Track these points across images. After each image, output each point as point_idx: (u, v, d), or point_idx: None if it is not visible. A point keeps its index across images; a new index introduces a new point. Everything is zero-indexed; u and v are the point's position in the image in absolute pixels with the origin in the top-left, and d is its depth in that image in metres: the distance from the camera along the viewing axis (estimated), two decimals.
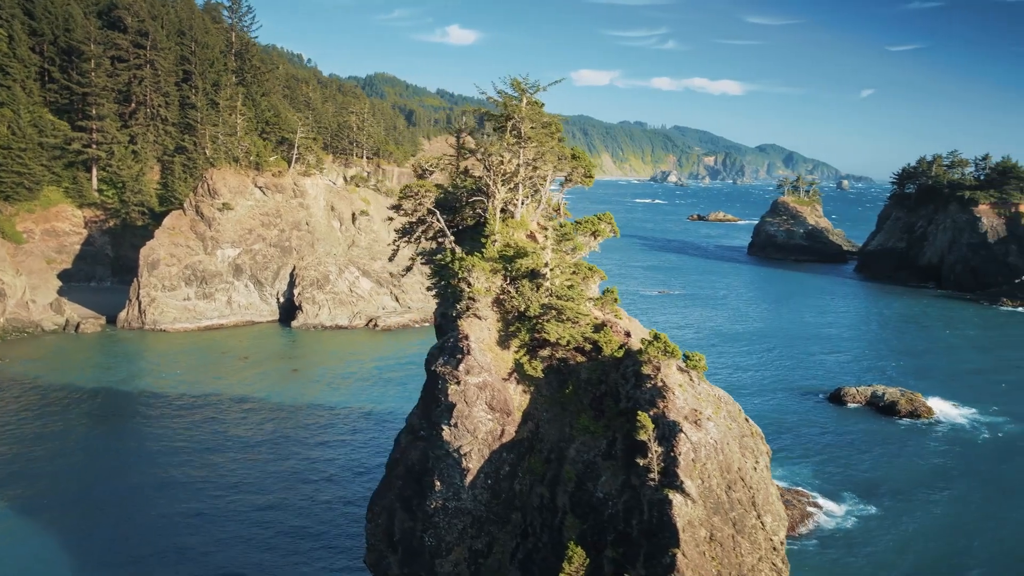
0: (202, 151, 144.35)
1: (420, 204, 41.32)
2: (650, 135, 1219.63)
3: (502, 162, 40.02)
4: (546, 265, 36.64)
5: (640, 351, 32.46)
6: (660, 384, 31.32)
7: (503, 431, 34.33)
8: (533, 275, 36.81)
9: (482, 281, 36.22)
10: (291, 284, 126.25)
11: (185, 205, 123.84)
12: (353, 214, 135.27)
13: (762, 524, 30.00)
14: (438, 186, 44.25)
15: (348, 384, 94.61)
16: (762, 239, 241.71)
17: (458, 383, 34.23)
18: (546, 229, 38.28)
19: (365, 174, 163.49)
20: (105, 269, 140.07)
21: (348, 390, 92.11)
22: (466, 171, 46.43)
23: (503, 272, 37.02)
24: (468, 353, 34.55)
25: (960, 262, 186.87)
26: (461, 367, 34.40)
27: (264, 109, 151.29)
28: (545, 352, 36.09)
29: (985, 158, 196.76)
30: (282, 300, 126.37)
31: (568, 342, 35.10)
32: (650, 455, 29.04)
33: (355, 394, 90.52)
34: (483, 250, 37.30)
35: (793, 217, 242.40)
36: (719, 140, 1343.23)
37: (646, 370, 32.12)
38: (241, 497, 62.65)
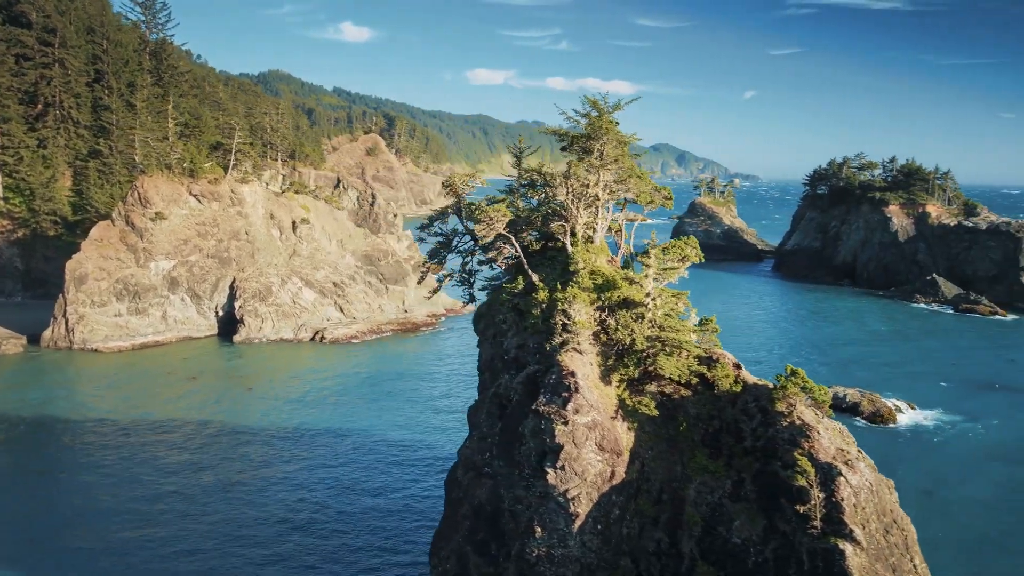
0: (118, 155, 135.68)
1: (492, 228, 38.93)
2: (550, 135, 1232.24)
3: (586, 185, 38.19)
4: (648, 295, 35.10)
5: (776, 387, 31.33)
6: (798, 422, 30.26)
7: (613, 472, 32.52)
8: (627, 304, 35.20)
9: (583, 313, 34.29)
10: (231, 297, 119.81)
11: (113, 215, 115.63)
12: (293, 222, 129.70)
13: (915, 567, 29.34)
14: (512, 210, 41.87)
15: (310, 402, 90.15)
16: None
17: (565, 423, 32.19)
18: (648, 255, 36.66)
19: (280, 177, 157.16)
20: (15, 283, 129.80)
21: (312, 408, 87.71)
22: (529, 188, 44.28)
23: (598, 302, 35.21)
24: (576, 391, 32.54)
25: (873, 260, 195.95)
26: (569, 406, 32.37)
27: (184, 111, 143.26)
28: (649, 387, 34.54)
29: (892, 160, 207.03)
30: (221, 314, 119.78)
31: (679, 376, 33.67)
32: (813, 500, 27.88)
33: (321, 413, 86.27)
34: (576, 279, 35.35)
35: (710, 218, 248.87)
36: None
37: (780, 407, 31.01)
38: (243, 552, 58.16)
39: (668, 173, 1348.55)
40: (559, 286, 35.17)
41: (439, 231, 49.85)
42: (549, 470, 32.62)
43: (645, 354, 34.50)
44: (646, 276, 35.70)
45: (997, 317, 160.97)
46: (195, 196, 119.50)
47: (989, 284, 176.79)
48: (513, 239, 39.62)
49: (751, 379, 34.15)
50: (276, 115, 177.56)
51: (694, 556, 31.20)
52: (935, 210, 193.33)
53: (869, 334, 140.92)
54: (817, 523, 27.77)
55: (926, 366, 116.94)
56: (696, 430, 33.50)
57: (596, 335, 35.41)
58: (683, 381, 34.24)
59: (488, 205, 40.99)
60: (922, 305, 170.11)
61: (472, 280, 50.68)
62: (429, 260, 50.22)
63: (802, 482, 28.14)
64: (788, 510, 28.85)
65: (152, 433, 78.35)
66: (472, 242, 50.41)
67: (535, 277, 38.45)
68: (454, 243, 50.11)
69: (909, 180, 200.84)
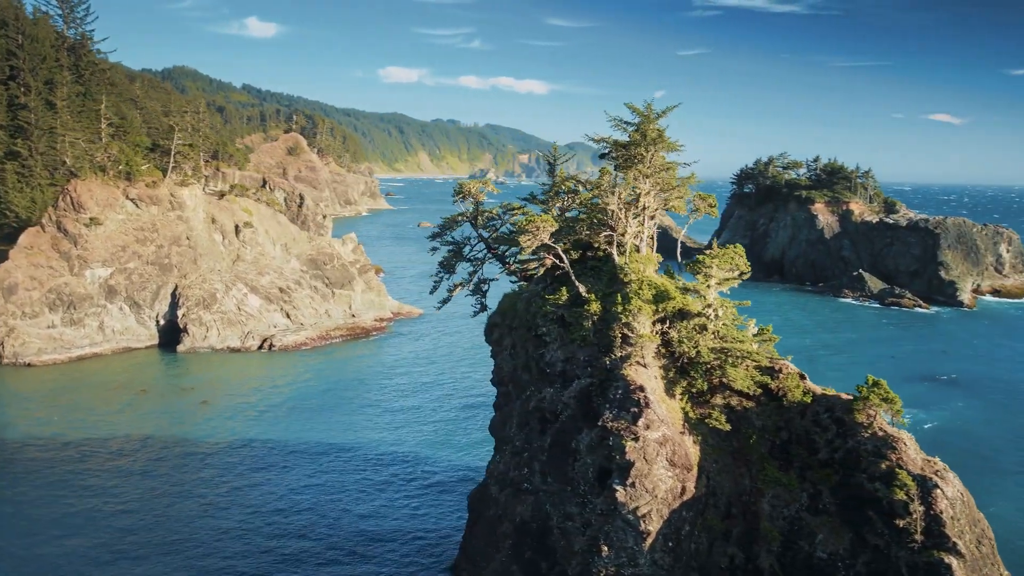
0: (38, 157, 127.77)
1: (537, 238, 37.73)
2: (465, 133, 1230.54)
3: (637, 194, 37.47)
4: (709, 306, 34.63)
5: (856, 398, 31.25)
6: (881, 434, 30.28)
7: (683, 488, 31.90)
8: (683, 315, 34.67)
9: (646, 326, 33.54)
10: (173, 305, 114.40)
11: (44, 221, 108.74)
12: (236, 226, 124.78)
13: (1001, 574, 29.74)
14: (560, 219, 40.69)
15: (272, 414, 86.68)
16: None
17: (636, 439, 31.37)
18: (709, 265, 36.15)
19: (204, 179, 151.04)
20: None
21: (276, 421, 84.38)
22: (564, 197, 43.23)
23: (656, 314, 34.52)
24: (647, 406, 31.76)
25: (801, 257, 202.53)
26: (640, 422, 31.58)
27: (106, 109, 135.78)
28: (715, 399, 34.11)
29: (816, 160, 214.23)
30: (163, 323, 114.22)
31: (747, 388, 33.33)
32: (914, 514, 27.84)
33: (287, 425, 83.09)
34: (635, 290, 34.53)
35: None
36: (531, 138, 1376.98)
37: (860, 418, 30.97)
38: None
39: (584, 170, 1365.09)
40: (619, 298, 34.33)
41: (451, 240, 48.38)
42: (618, 487, 31.78)
43: (711, 366, 34.09)
44: (707, 286, 35.29)
45: (920, 310, 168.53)
46: (132, 200, 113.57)
47: (910, 278, 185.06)
48: (559, 249, 38.55)
49: (818, 389, 34.14)
50: (196, 114, 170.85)
51: (775, 571, 30.93)
52: (858, 208, 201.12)
53: (799, 328, 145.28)
54: (918, 536, 27.76)
55: (862, 357, 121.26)
56: (763, 442, 33.27)
57: (656, 347, 34.78)
58: (749, 392, 33.96)
59: (534, 215, 39.74)
60: (850, 300, 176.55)
61: (485, 289, 49.45)
62: (442, 270, 48.70)
63: (901, 495, 28.13)
64: (879, 523, 28.82)
65: (111, 456, 73.73)
66: (486, 250, 49.20)
67: (582, 288, 37.54)
68: (465, 251, 48.80)
69: (832, 179, 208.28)
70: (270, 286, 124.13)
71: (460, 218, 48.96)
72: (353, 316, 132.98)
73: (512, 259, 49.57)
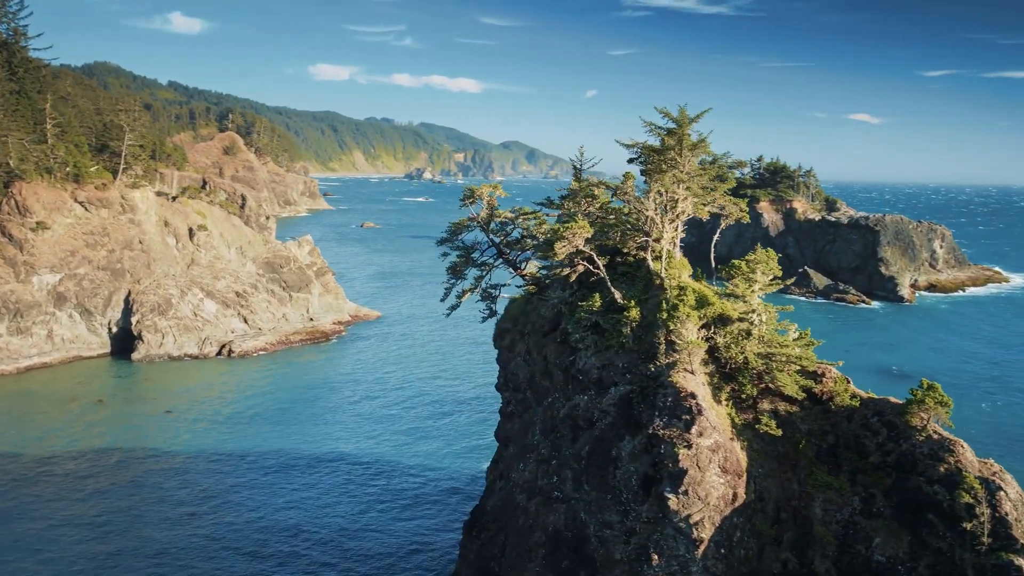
0: None
1: (571, 245, 37.16)
2: (400, 132, 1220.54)
3: (675, 199, 37.23)
4: (753, 311, 34.64)
5: (911, 401, 31.56)
6: (936, 437, 30.69)
7: (735, 495, 31.84)
8: (723, 321, 34.62)
9: (694, 333, 33.34)
10: (127, 311, 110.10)
11: None
12: (190, 229, 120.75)
13: None
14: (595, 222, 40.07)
15: (242, 422, 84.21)
16: None
17: (689, 447, 31.17)
18: (753, 272, 36.11)
19: (158, 179, 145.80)
20: None
21: (246, 429, 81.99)
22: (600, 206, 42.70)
23: (700, 320, 34.34)
24: (699, 413, 31.56)
25: (747, 254, 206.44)
26: (693, 429, 31.37)
27: (40, 109, 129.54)
28: (763, 404, 34.12)
29: (759, 159, 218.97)
30: (115, 330, 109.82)
31: (795, 393, 33.45)
32: (981, 516, 28.21)
33: (259, 433, 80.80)
34: (683, 297, 34.28)
35: None
36: (466, 137, 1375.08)
37: (914, 421, 31.32)
38: None
39: (519, 170, 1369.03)
40: (663, 304, 34.09)
41: (461, 244, 47.52)
42: (670, 495, 31.54)
43: (758, 371, 34.16)
44: (752, 291, 35.35)
45: (864, 305, 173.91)
46: (81, 203, 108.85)
47: (852, 274, 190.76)
48: (595, 256, 38.07)
49: (863, 393, 34.51)
50: (133, 113, 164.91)
51: (832, 575, 31.15)
52: (801, 206, 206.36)
53: None
54: (985, 539, 28.21)
55: (817, 352, 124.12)
56: (809, 446, 33.48)
57: (703, 354, 34.63)
58: (795, 397, 34.13)
59: (570, 220, 39.16)
60: (797, 296, 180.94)
61: (496, 294, 48.75)
62: (452, 276, 47.81)
63: (967, 498, 28.53)
64: (939, 526, 29.21)
65: (72, 471, 70.33)
66: (497, 255, 48.48)
67: (618, 294, 37.19)
68: (475, 256, 48.01)
69: (775, 178, 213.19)
70: (226, 290, 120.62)
71: (470, 222, 48.04)
72: (311, 320, 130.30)
73: (524, 264, 49.00)
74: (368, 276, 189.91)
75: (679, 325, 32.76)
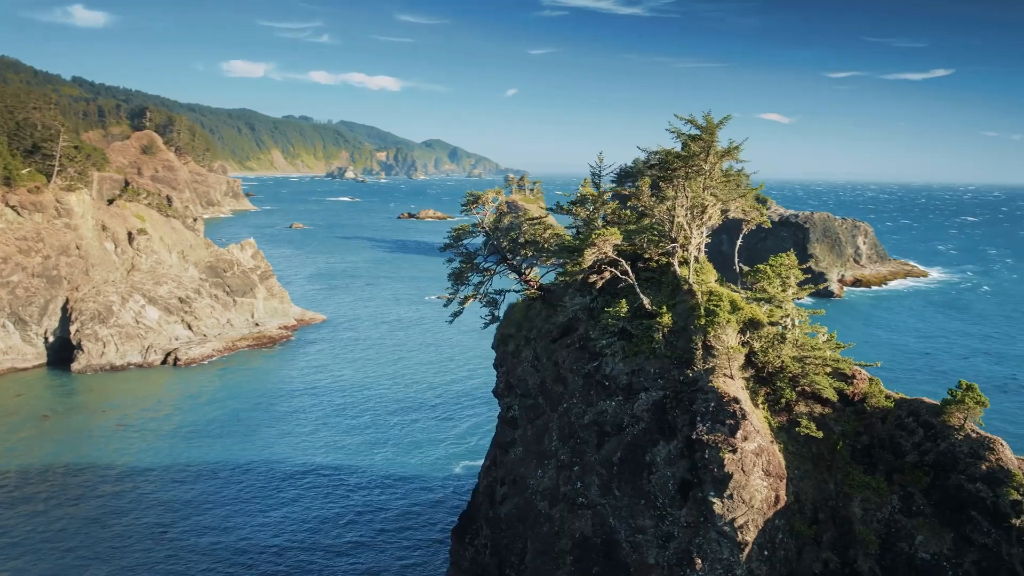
0: None
1: (601, 251, 36.91)
2: (320, 130, 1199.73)
3: (704, 206, 37.37)
4: (787, 315, 35.12)
5: (951, 401, 32.44)
6: (975, 436, 31.64)
7: (777, 497, 32.25)
8: (753, 325, 34.99)
9: (733, 338, 33.55)
10: (64, 320, 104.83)
11: None
12: (129, 233, 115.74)
13: None
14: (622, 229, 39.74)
15: (199, 433, 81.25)
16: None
17: (734, 451, 31.42)
18: (788, 277, 36.52)
19: (93, 181, 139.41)
20: None
21: (205, 440, 79.16)
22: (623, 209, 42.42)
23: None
24: (744, 417, 31.82)
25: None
26: (739, 433, 31.62)
27: None
28: (798, 407, 34.57)
29: None
30: (52, 340, 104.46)
31: (833, 395, 34.03)
32: None
33: (219, 444, 78.13)
34: (719, 303, 34.44)
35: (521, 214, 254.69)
36: (387, 136, 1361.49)
37: (953, 421, 32.23)
38: None
39: (442, 169, 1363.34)
40: (701, 311, 34.25)
41: (464, 250, 46.82)
42: (715, 500, 31.78)
43: (794, 375, 34.68)
44: (787, 296, 35.85)
45: (798, 301, 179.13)
46: (13, 207, 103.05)
47: None
48: (624, 262, 37.97)
49: (895, 394, 35.40)
50: (49, 110, 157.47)
51: (875, 574, 31.82)
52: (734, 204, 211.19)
53: None
54: None
55: None
56: (845, 447, 34.16)
57: (742, 358, 34.94)
58: (831, 399, 34.77)
59: (604, 227, 38.91)
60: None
61: (500, 300, 48.24)
62: (454, 282, 47.04)
63: (1015, 495, 29.51)
64: (984, 522, 30.18)
65: (27, 491, 66.48)
66: (501, 260, 47.97)
67: (646, 301, 37.19)
68: (478, 262, 47.40)
69: None
70: (169, 296, 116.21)
71: (474, 228, 47.40)
72: (257, 325, 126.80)
73: (528, 270, 48.62)
74: (306, 279, 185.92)
75: (719, 330, 33.01)
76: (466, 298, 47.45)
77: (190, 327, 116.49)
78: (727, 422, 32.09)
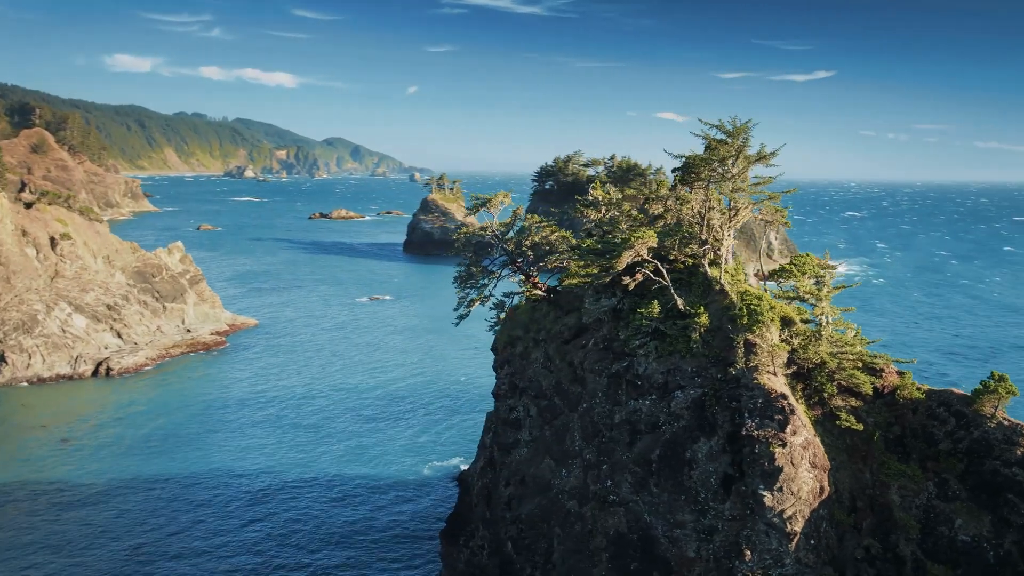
0: None
1: (637, 254, 37.28)
2: (215, 128, 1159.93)
3: (736, 208, 38.21)
4: (823, 313, 36.38)
5: (984, 392, 34.27)
6: (1007, 423, 33.60)
7: (822, 487, 33.56)
8: (785, 323, 36.19)
9: (776, 336, 34.56)
10: None
11: None
12: (52, 238, 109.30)
13: None
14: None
15: (146, 446, 77.71)
16: (419, 236, 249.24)
17: (784, 445, 32.49)
18: (823, 275, 37.70)
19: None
20: None
21: (168, 454, 75.82)
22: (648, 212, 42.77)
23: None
24: (792, 412, 32.92)
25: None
26: (788, 428, 32.72)
27: None
28: (835, 401, 35.87)
29: (612, 157, 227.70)
30: None
31: (868, 389, 35.51)
32: None
33: (184, 458, 74.87)
34: (759, 303, 35.36)
35: (444, 214, 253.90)
36: (286, 134, 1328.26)
37: (985, 410, 34.13)
38: None
39: (345, 167, 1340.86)
40: (743, 310, 35.17)
41: (472, 253, 46.55)
42: (765, 492, 32.84)
43: (831, 370, 36.07)
44: (822, 293, 37.17)
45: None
46: None
47: None
48: (659, 265, 38.54)
49: (923, 386, 37.26)
50: None
51: (917, 557, 33.47)
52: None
53: None
54: None
55: None
56: (879, 438, 35.78)
57: (785, 356, 36.09)
58: (865, 393, 36.33)
59: (640, 228, 39.29)
60: None
61: (509, 302, 48.18)
62: (463, 284, 46.75)
63: None
64: (1021, 505, 32.20)
65: None
66: (509, 263, 47.91)
67: (680, 301, 37.91)
68: (485, 265, 47.22)
69: (628, 175, 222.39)
70: (96, 304, 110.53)
71: (482, 232, 47.19)
72: (189, 331, 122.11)
73: (535, 272, 48.71)
74: (227, 282, 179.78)
75: (763, 329, 34.10)
76: (472, 301, 47.21)
77: (120, 335, 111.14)
78: (776, 417, 33.22)
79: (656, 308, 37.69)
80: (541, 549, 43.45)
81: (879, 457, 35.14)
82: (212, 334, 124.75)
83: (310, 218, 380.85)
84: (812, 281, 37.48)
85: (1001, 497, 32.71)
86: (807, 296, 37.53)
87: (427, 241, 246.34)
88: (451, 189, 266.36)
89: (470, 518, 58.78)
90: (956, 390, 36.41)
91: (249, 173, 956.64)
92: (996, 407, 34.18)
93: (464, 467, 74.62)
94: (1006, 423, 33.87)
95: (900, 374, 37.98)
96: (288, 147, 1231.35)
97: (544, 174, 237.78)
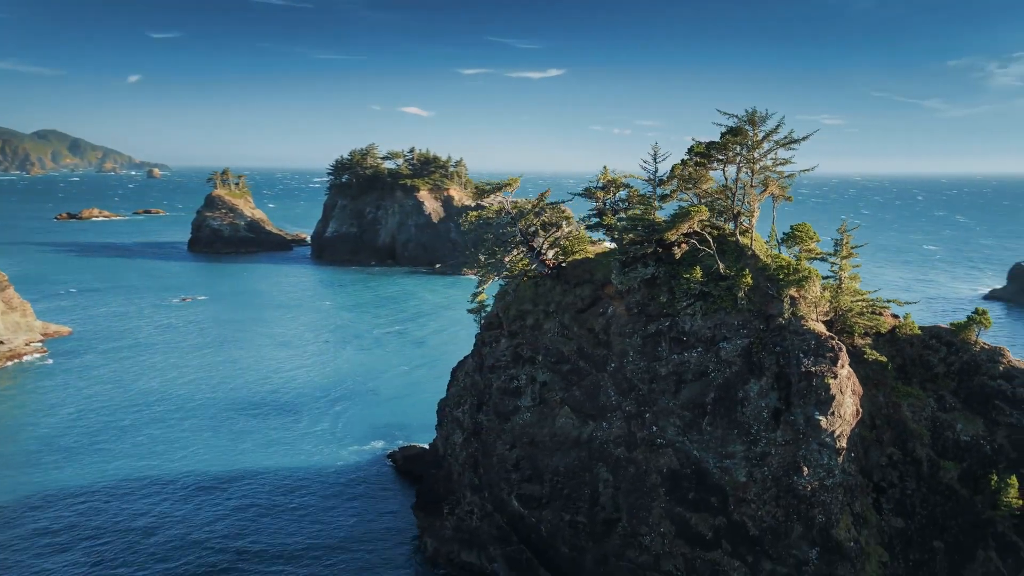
0: None
1: (690, 225, 41.89)
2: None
3: (766, 183, 43.76)
4: (842, 270, 43.26)
5: (968, 324, 42.93)
6: (987, 347, 42.56)
7: (857, 410, 40.88)
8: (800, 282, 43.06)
9: (817, 289, 40.95)
10: None
11: None
12: None
13: None
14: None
15: (39, 462, 70.58)
16: (206, 234, 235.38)
17: (835, 377, 39.32)
18: (845, 242, 44.40)
19: None
20: None
21: (22, 472, 69.21)
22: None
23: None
24: (841, 349, 39.85)
25: (411, 241, 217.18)
26: (839, 363, 39.63)
27: None
28: (856, 340, 43.07)
29: (412, 150, 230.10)
30: None
31: (885, 330, 43.10)
32: None
33: (31, 475, 68.80)
34: (797, 264, 41.59)
35: (231, 211, 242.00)
36: None
37: (970, 338, 42.85)
38: None
39: (63, 163, 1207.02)
40: (789, 269, 41.48)
41: (489, 235, 48.97)
42: (821, 417, 39.59)
43: (855, 314, 43.46)
44: (844, 255, 44.33)
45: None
46: None
47: None
48: (706, 234, 43.61)
49: (915, 324, 45.87)
50: None
51: (931, 458, 41.63)
52: (457, 193, 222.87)
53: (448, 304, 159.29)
54: None
55: None
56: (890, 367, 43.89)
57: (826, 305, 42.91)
58: (880, 331, 44.21)
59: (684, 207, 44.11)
60: (473, 276, 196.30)
61: (519, 280, 50.95)
62: (486, 259, 49.09)
63: None
64: (1006, 407, 41.48)
65: None
66: (523, 242, 50.70)
67: (721, 266, 43.39)
68: (499, 246, 49.75)
69: (428, 168, 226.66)
70: None
71: (496, 214, 49.73)
72: (2, 343, 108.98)
73: (546, 251, 51.85)
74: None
75: (809, 284, 40.83)
76: (488, 277, 49.75)
77: None
78: (827, 355, 40.11)
79: (699, 272, 43.16)
80: (585, 495, 47.42)
81: (890, 383, 43.33)
82: (27, 344, 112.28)
83: (56, 219, 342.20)
84: (828, 244, 44.99)
85: (990, 403, 42.09)
86: (825, 256, 45.06)
87: (216, 239, 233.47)
88: (236, 184, 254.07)
89: (450, 488, 60.95)
90: (942, 325, 45.79)
91: None
92: (977, 334, 43.76)
93: (392, 450, 76.17)
94: (987, 347, 43.55)
95: (895, 316, 46.88)
96: None
97: (340, 168, 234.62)
